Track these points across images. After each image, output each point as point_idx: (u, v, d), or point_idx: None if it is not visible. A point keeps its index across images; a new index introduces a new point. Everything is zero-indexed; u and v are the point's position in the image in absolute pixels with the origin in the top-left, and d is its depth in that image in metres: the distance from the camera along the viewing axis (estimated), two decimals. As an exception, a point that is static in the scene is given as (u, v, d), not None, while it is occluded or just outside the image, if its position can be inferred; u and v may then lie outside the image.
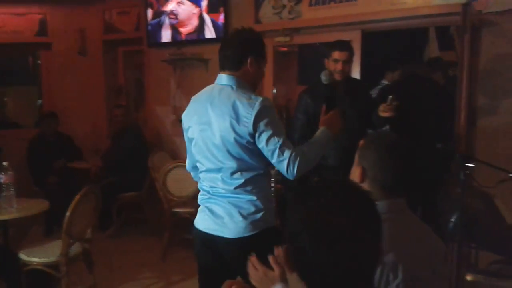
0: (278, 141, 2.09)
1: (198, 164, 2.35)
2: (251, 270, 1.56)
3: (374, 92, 4.46)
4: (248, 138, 2.11)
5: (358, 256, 1.02)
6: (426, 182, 3.30)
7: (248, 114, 2.09)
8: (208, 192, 2.31)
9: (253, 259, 1.54)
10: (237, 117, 2.11)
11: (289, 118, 6.35)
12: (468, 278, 2.27)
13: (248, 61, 2.21)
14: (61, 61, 6.27)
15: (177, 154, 5.44)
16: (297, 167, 2.08)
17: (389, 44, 4.74)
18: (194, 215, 4.39)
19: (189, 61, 5.21)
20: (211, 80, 5.05)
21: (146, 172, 5.04)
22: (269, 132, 2.09)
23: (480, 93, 3.74)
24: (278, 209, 4.23)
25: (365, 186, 1.67)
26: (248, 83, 2.23)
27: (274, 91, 5.30)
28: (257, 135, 2.10)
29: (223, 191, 2.22)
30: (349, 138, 3.09)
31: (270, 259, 1.47)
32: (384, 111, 3.13)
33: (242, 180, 2.19)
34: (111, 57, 6.26)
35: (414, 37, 5.01)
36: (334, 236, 1.00)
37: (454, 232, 2.54)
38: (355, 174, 1.72)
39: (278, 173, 4.32)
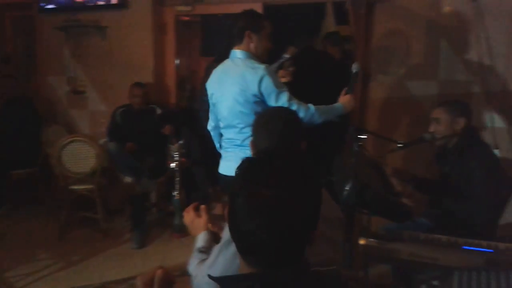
0: (285, 96, 2.58)
1: (220, 123, 2.82)
2: (185, 213, 1.90)
3: (275, 66, 4.51)
4: (256, 98, 2.58)
5: (289, 227, 1.01)
6: (323, 152, 3.42)
7: (254, 79, 2.55)
8: (226, 143, 2.80)
9: (192, 205, 1.90)
10: (245, 83, 2.57)
11: (193, 90, 6.27)
12: (361, 242, 2.41)
13: (246, 34, 2.65)
14: None
15: (73, 127, 5.16)
16: (304, 115, 2.58)
17: (289, 18, 4.80)
18: (93, 192, 4.29)
19: (85, 29, 4.91)
20: (109, 49, 4.90)
21: (40, 147, 4.74)
22: (276, 91, 2.56)
23: (373, 68, 3.94)
24: (183, 182, 4.20)
25: None
26: (253, 55, 2.68)
27: (177, 62, 5.18)
28: (266, 95, 2.57)
29: (237, 142, 2.69)
30: None
31: (202, 207, 1.83)
32: (282, 77, 3.21)
33: (249, 134, 2.52)
34: (-3, 22, 5.73)
35: (312, 11, 5.12)
36: (265, 208, 0.99)
37: (348, 199, 2.66)
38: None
39: (184, 147, 4.31)
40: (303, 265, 1.08)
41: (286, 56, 4.46)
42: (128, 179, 4.39)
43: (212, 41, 6.23)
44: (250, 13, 2.77)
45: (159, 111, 4.65)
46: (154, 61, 4.87)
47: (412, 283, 1.72)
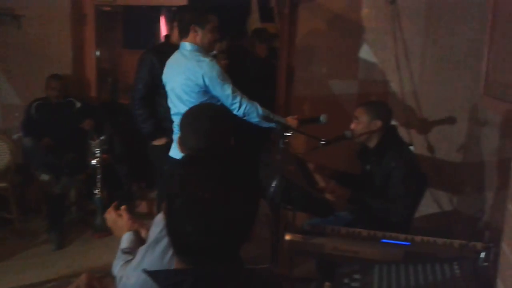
0: (229, 88, 2.80)
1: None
2: (107, 214, 1.88)
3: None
4: (200, 89, 2.78)
5: (228, 229, 1.01)
6: (248, 149, 3.46)
7: (198, 71, 2.76)
8: (176, 129, 2.95)
9: (112, 205, 1.87)
10: (190, 74, 2.78)
11: (115, 82, 6.08)
12: (287, 237, 2.47)
13: (191, 28, 2.85)
14: None
15: (-17, 121, 4.83)
16: (244, 108, 2.83)
17: (214, 13, 4.78)
18: (6, 190, 4.04)
19: (-3, 17, 4.59)
20: (24, 39, 4.61)
21: None
22: (220, 83, 2.78)
23: (297, 66, 4.03)
24: (103, 179, 4.07)
25: None
26: (200, 47, 2.87)
27: (98, 53, 4.99)
28: (211, 87, 2.78)
29: None
30: None
31: (122, 207, 1.80)
32: None
33: None
34: None
35: (237, 7, 5.13)
36: (204, 211, 0.98)
37: (274, 196, 2.72)
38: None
39: (105, 142, 4.18)
40: (237, 263, 1.10)
41: (213, 52, 4.46)
42: (44, 177, 4.18)
43: (135, 33, 6.07)
44: (195, 7, 3.03)
45: (78, 104, 4.46)
46: (72, 52, 4.65)
47: (335, 277, 1.79)
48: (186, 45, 2.88)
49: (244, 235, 1.06)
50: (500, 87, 3.20)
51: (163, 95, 3.38)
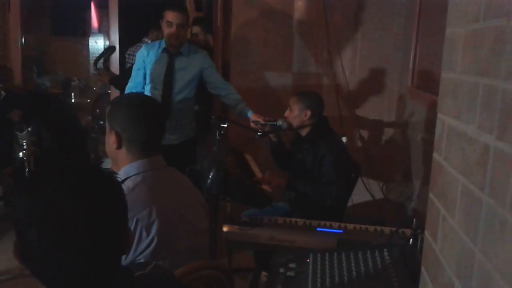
0: None
1: None
2: None
3: (132, 50, 4.37)
4: None
5: (96, 247, 0.92)
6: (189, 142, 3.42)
7: None
8: None
9: None
10: None
11: (42, 74, 5.82)
12: (225, 229, 2.48)
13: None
14: None
15: None
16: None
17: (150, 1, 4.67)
18: None
19: None
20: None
21: None
22: None
23: (233, 59, 4.02)
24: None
25: (123, 152, 1.66)
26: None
27: (23, 41, 4.74)
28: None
29: None
30: None
31: None
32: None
33: None
34: None
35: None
36: (64, 227, 0.89)
37: (212, 187, 2.72)
38: (109, 143, 1.69)
39: (33, 134, 3.98)
40: (125, 276, 1.02)
41: (147, 40, 4.36)
42: (-33, 170, 3.93)
43: (64, 20, 5.81)
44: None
45: (3, 94, 4.21)
46: (-4, 39, 4.40)
47: (271, 267, 1.82)
48: None
49: (119, 241, 0.98)
50: (425, 80, 3.38)
51: None
